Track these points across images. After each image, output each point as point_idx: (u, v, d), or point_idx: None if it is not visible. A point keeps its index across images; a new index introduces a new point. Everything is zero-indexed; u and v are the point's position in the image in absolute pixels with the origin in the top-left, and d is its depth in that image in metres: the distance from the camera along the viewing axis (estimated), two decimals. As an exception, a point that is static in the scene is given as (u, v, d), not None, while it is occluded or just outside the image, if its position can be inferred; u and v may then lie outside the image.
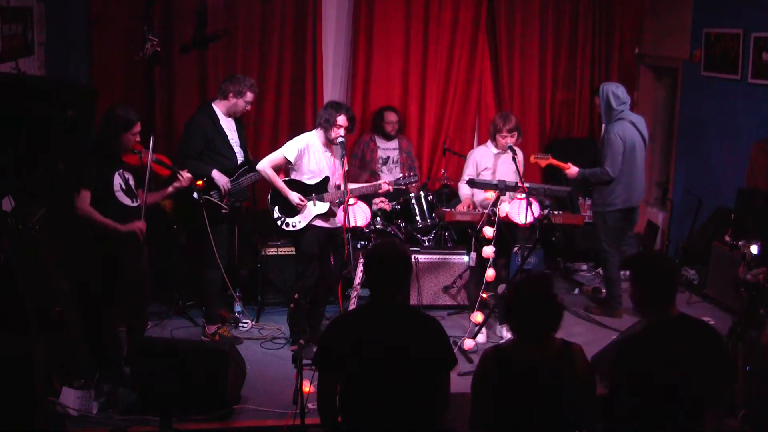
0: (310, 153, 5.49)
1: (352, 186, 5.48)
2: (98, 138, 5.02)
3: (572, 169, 6.17)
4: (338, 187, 5.59)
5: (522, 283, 3.31)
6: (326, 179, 5.55)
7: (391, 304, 3.41)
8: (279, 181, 5.48)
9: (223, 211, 5.65)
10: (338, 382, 3.38)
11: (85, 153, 5.04)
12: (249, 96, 5.70)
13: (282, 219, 5.51)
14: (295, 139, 5.55)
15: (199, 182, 5.46)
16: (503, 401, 3.20)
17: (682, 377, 3.22)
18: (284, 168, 5.64)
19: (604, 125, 6.17)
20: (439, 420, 3.38)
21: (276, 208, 5.53)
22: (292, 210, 5.51)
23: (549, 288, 3.26)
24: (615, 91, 6.09)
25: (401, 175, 5.91)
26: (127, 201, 4.99)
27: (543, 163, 6.18)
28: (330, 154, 5.58)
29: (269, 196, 5.58)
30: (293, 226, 5.51)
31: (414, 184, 6.16)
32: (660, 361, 3.24)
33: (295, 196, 5.45)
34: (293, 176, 5.56)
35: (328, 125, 5.42)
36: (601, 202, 6.18)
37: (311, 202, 5.49)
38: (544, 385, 3.17)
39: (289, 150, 5.46)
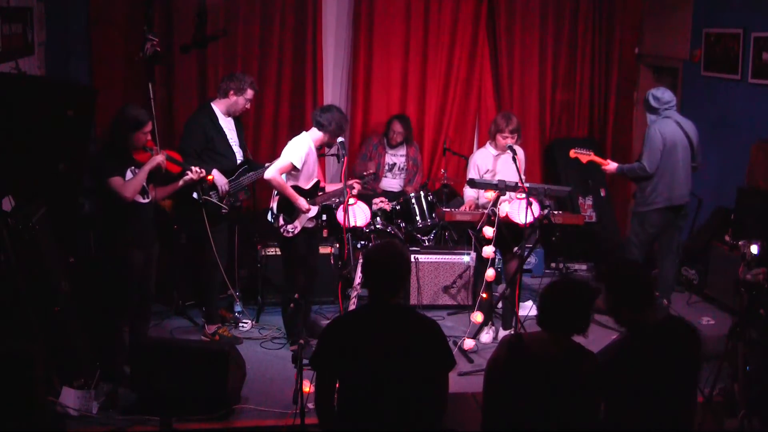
0: (310, 157, 5.50)
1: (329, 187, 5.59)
2: (110, 137, 5.06)
3: (611, 165, 6.08)
4: (323, 189, 5.66)
5: (567, 282, 3.41)
6: (318, 183, 5.59)
7: (390, 305, 3.41)
8: (289, 188, 5.41)
9: (223, 211, 5.65)
10: (336, 382, 3.38)
11: (85, 153, 5.06)
12: (249, 93, 5.71)
13: (283, 227, 5.50)
14: (297, 144, 5.46)
15: (210, 177, 5.48)
16: (511, 387, 3.24)
17: (666, 381, 3.26)
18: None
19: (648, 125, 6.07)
20: (437, 421, 3.38)
21: (281, 216, 5.50)
22: (292, 217, 5.51)
23: (589, 294, 3.35)
24: (655, 94, 6.00)
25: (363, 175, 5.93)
26: (138, 198, 5.03)
27: (584, 159, 6.09)
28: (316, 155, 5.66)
29: (276, 204, 5.49)
30: (292, 232, 5.50)
31: (375, 183, 6.11)
32: (640, 368, 3.28)
33: (304, 202, 5.44)
34: (289, 182, 5.52)
35: (340, 131, 5.47)
36: (642, 201, 6.01)
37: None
38: (550, 379, 3.21)
39: (296, 157, 5.38)
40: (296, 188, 5.49)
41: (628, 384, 3.27)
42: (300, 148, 5.42)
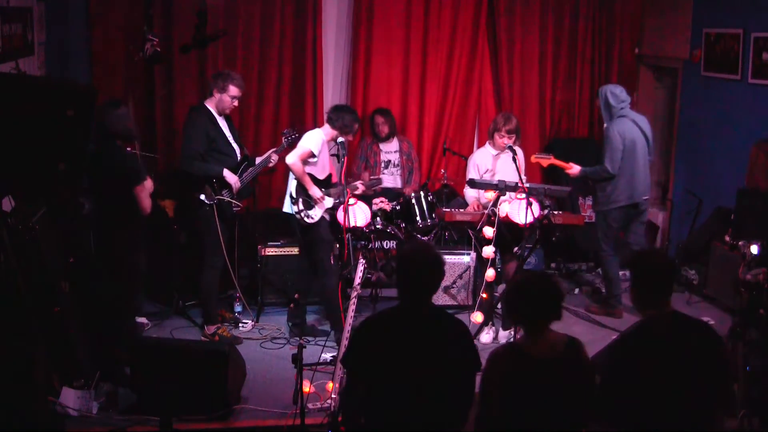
0: (324, 148, 5.70)
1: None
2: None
3: (574, 169, 6.20)
4: (335, 184, 5.80)
5: (524, 278, 3.35)
6: (330, 176, 5.74)
7: (422, 306, 3.39)
8: (306, 176, 5.61)
9: (236, 209, 5.67)
10: (365, 383, 3.35)
11: (85, 153, 5.06)
12: (232, 90, 5.65)
13: (303, 211, 5.62)
14: (313, 134, 5.66)
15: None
16: (512, 396, 3.22)
17: (677, 376, 3.22)
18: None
19: (605, 125, 6.18)
20: (464, 421, 3.38)
21: (300, 200, 5.62)
22: (310, 203, 5.64)
23: (550, 280, 3.32)
24: (613, 91, 6.16)
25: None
26: None
27: (544, 163, 6.19)
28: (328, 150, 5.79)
29: (293, 189, 5.64)
30: (311, 219, 5.64)
31: (378, 187, 6.18)
32: (654, 359, 3.23)
33: (317, 191, 5.60)
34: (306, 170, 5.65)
35: (348, 130, 5.67)
36: (605, 201, 6.20)
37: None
38: (554, 379, 3.19)
39: (314, 144, 5.60)
40: (311, 177, 5.65)
41: (635, 374, 3.24)
42: (316, 138, 5.64)
